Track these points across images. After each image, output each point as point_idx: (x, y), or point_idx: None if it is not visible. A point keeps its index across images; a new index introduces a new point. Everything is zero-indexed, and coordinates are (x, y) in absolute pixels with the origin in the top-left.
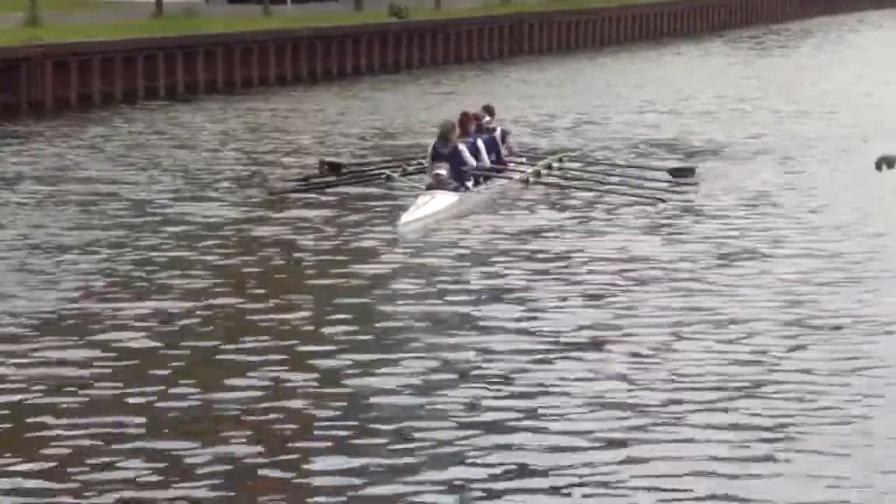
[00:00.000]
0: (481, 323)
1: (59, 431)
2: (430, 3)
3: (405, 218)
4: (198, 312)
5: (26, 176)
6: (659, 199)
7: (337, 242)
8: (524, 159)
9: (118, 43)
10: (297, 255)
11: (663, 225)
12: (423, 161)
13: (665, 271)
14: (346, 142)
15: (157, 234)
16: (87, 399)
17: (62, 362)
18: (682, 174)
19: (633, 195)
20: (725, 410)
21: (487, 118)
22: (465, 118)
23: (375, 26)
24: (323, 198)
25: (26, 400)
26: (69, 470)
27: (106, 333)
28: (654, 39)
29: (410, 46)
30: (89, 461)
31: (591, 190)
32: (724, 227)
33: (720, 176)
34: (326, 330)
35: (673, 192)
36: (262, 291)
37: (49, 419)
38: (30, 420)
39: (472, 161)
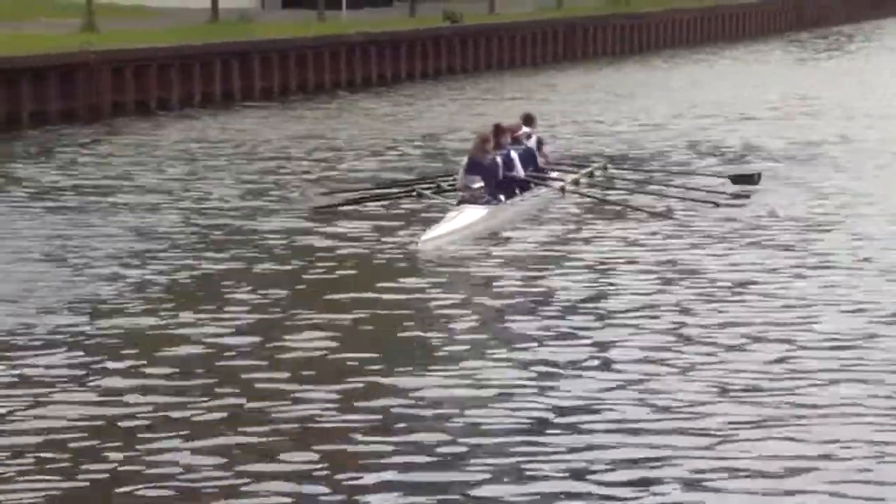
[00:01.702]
0: (482, 340)
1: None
2: (483, 8)
3: (427, 234)
4: (215, 323)
5: (79, 182)
6: (711, 201)
7: (354, 259)
8: (565, 168)
9: (175, 49)
10: (309, 272)
11: (700, 234)
12: (456, 177)
13: (710, 284)
14: (393, 149)
15: (184, 242)
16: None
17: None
18: (744, 180)
19: (680, 200)
20: (782, 426)
21: (524, 129)
22: (498, 130)
23: (429, 31)
24: (352, 214)
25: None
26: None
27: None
28: (705, 43)
29: (464, 51)
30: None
31: (631, 198)
32: (785, 235)
33: (779, 183)
34: (319, 344)
35: (720, 200)
36: (265, 303)
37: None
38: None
39: (519, 169)
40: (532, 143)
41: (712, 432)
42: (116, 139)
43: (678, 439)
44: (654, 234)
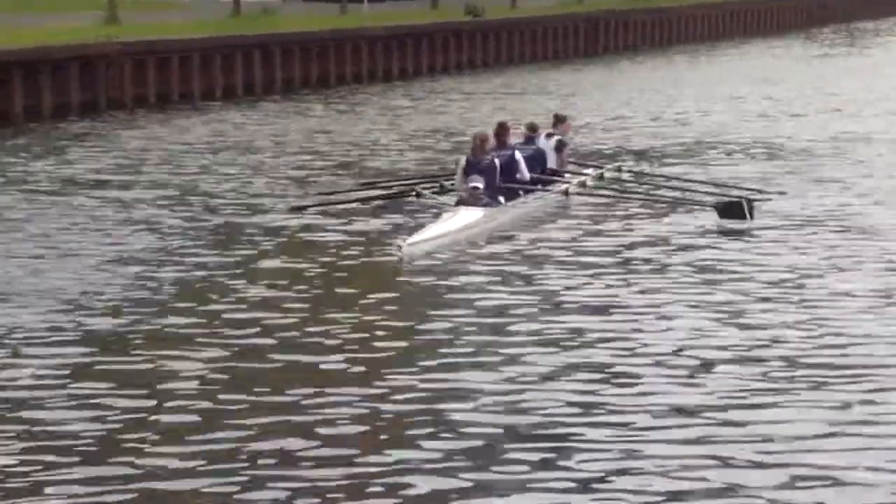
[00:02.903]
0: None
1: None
2: (505, 2)
3: (413, 238)
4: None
5: (97, 174)
6: (728, 212)
7: (331, 262)
8: (581, 170)
9: (197, 41)
10: (286, 276)
11: (706, 239)
12: (454, 176)
13: (722, 289)
14: (408, 143)
15: (172, 238)
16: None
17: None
18: (729, 213)
19: (691, 205)
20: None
21: (543, 131)
22: (501, 129)
23: (451, 25)
24: (342, 214)
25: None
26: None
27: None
28: (726, 38)
29: (486, 45)
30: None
31: (642, 201)
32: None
33: (802, 180)
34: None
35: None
36: (239, 302)
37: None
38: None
39: (524, 171)
40: (551, 143)
41: (713, 435)
42: (136, 131)
43: (675, 442)
44: (658, 239)
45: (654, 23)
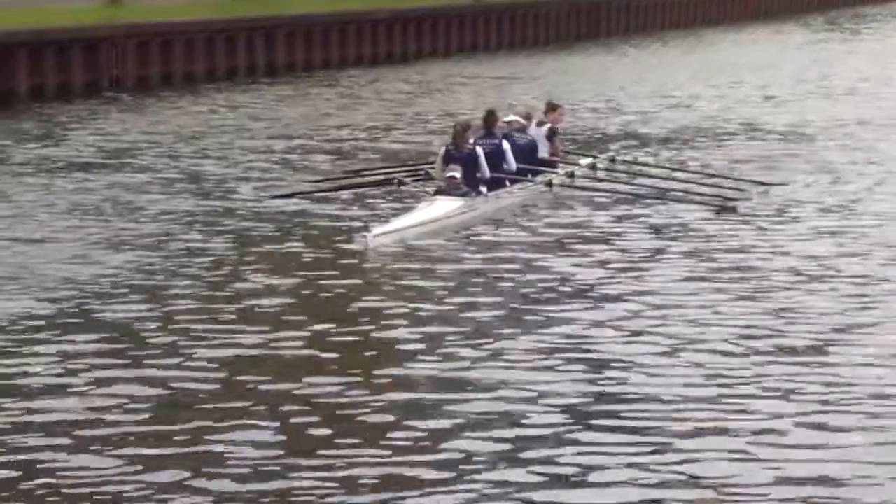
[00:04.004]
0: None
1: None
2: None
3: (383, 227)
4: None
5: (98, 155)
6: (722, 206)
7: (301, 251)
8: (573, 159)
9: (200, 23)
10: (257, 264)
11: (700, 234)
12: (434, 165)
13: (705, 285)
14: (402, 127)
15: (149, 222)
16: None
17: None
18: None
19: (684, 201)
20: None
21: (533, 119)
22: (490, 117)
23: (453, 8)
24: (323, 199)
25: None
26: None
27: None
28: (728, 22)
29: (488, 29)
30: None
31: (632, 195)
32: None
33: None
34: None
35: (728, 205)
36: (209, 288)
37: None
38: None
39: (485, 169)
40: (542, 131)
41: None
42: (140, 113)
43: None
44: (642, 233)
45: (655, 7)
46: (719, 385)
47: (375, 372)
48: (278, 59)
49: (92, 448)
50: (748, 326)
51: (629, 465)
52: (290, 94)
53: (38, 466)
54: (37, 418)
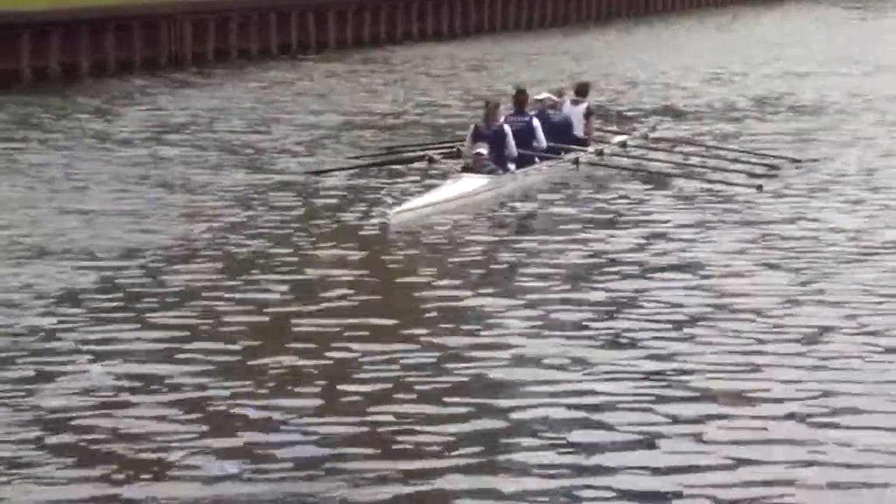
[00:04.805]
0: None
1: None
2: None
3: (402, 206)
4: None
5: (155, 129)
6: (754, 185)
7: (327, 228)
8: (609, 138)
9: (254, 1)
10: (286, 240)
11: (722, 216)
12: (464, 142)
13: (726, 271)
14: (449, 104)
15: (181, 195)
16: None
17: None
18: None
19: (714, 181)
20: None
21: (564, 98)
22: (520, 95)
23: None
24: (352, 178)
25: None
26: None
27: None
28: (764, 1)
29: (532, 5)
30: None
31: (661, 172)
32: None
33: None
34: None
35: (763, 183)
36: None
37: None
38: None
39: (512, 146)
40: (580, 110)
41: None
42: (197, 88)
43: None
44: (668, 212)
45: None
46: (772, 354)
47: (399, 345)
48: (329, 37)
49: (153, 414)
50: (787, 302)
51: (692, 435)
52: (341, 70)
53: (102, 431)
54: (108, 382)
